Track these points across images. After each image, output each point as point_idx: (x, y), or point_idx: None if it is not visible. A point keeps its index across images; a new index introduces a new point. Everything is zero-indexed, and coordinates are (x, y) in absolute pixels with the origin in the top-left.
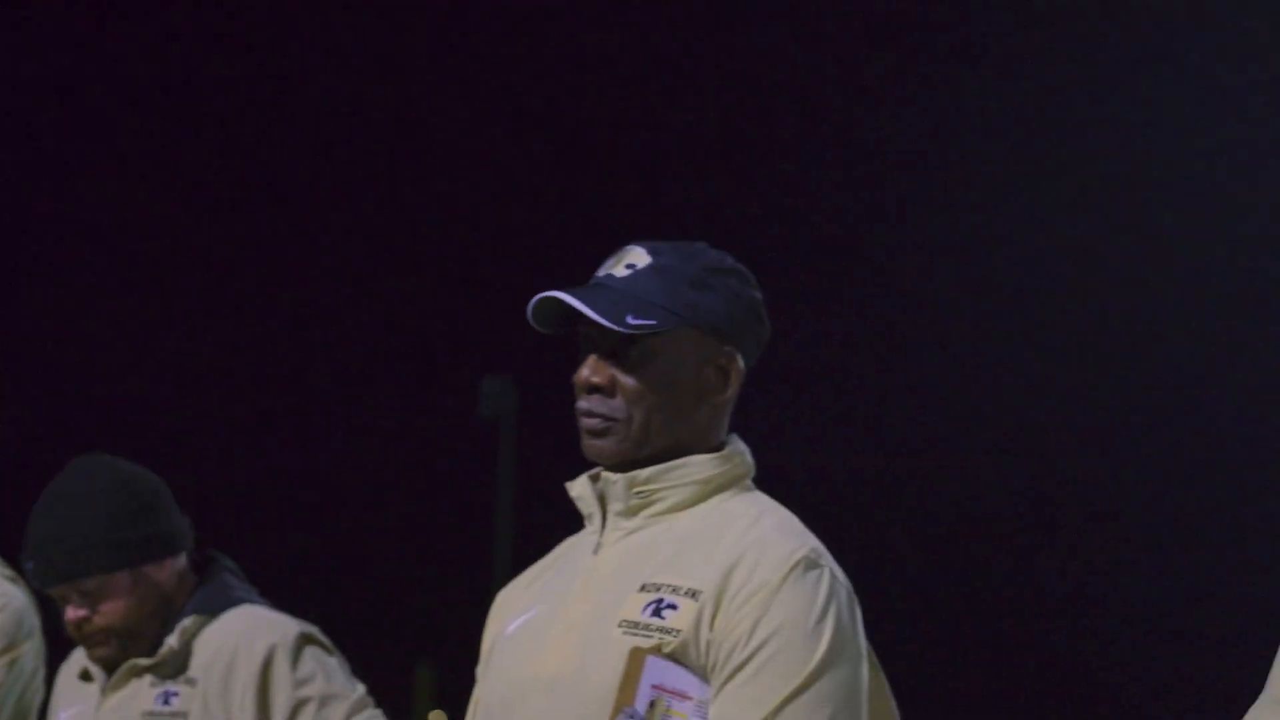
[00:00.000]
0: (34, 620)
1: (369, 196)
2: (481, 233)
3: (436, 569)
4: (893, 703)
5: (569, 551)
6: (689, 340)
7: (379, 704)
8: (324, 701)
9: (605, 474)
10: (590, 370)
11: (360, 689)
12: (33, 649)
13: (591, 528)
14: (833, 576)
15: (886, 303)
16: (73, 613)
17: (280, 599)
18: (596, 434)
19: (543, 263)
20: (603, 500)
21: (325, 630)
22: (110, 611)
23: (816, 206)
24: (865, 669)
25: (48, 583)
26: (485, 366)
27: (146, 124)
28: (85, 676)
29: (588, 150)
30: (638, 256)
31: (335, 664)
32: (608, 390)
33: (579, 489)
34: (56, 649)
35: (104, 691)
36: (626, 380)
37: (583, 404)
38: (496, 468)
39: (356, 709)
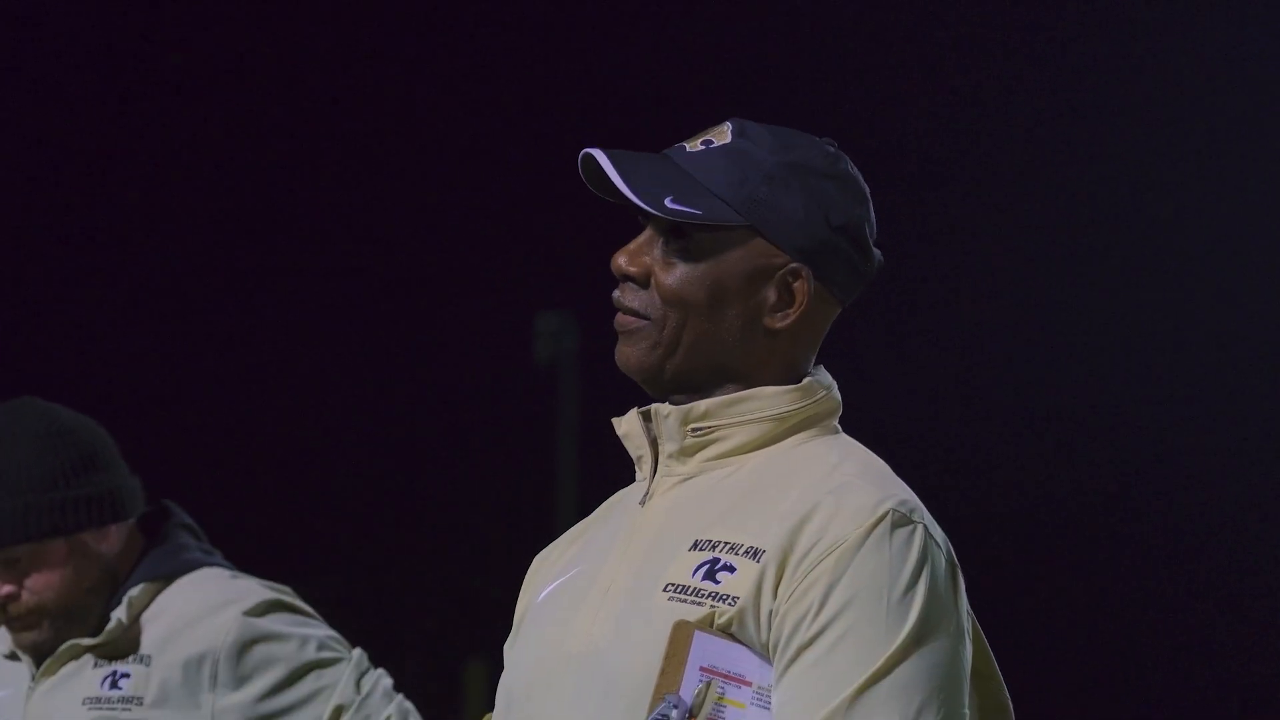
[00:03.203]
0: None
1: (413, 132)
2: (526, 156)
3: (490, 540)
4: (1005, 693)
5: (618, 504)
6: (747, 245)
7: (427, 704)
8: (312, 667)
9: (656, 407)
10: (627, 257)
11: (356, 651)
12: None
13: (641, 474)
14: (928, 535)
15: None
16: None
17: (310, 577)
18: (625, 334)
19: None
20: (655, 442)
21: (371, 625)
22: (42, 586)
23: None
24: (967, 650)
25: None
26: (540, 302)
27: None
28: (13, 655)
29: (640, 82)
30: (721, 133)
31: (318, 626)
32: (641, 281)
33: (627, 425)
34: None
35: (36, 676)
36: (664, 275)
37: (615, 294)
38: (557, 417)
39: (357, 670)
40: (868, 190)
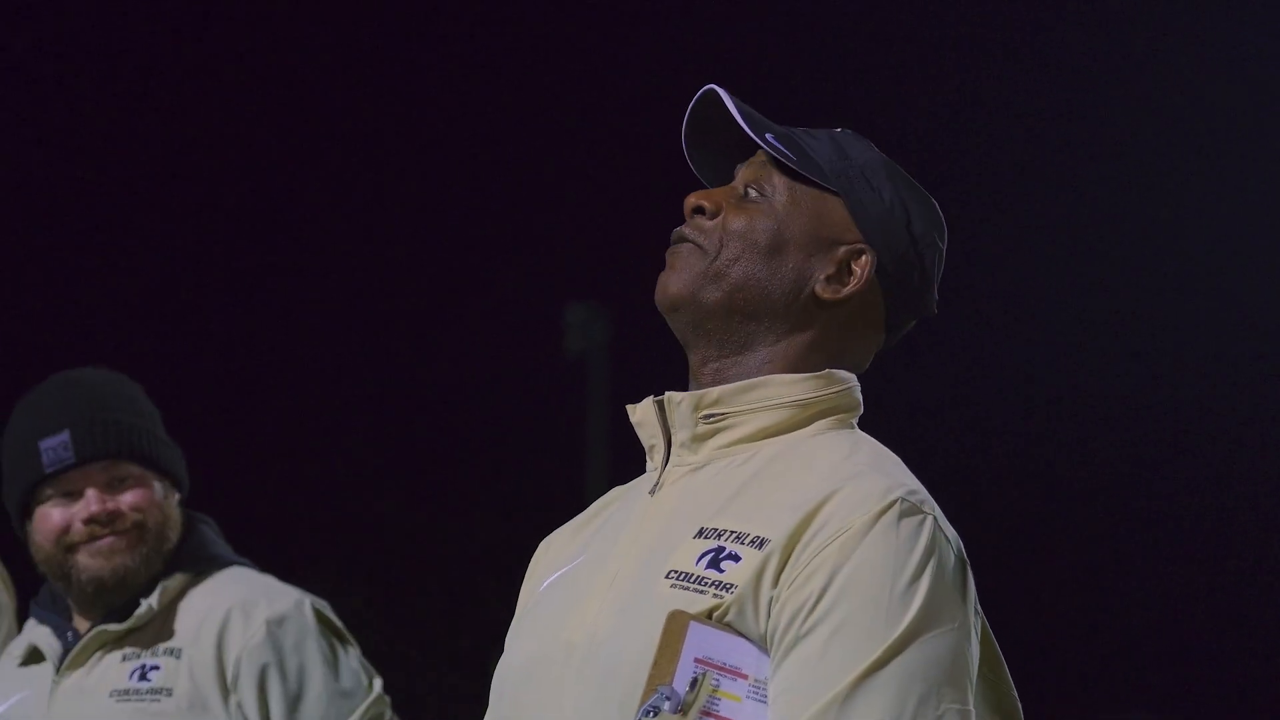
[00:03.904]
0: (3, 598)
1: (440, 123)
2: (557, 146)
3: (519, 531)
4: (1015, 699)
5: (626, 494)
6: (824, 211)
7: (456, 700)
8: (334, 694)
9: (670, 394)
10: (702, 193)
11: (378, 682)
12: (1, 628)
13: (653, 464)
14: (937, 527)
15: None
16: (98, 504)
17: (337, 568)
18: (672, 260)
19: (623, 178)
20: (668, 431)
21: (399, 617)
22: (146, 505)
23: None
24: (973, 648)
25: (91, 453)
26: (570, 293)
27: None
28: (32, 658)
29: (674, 71)
30: (825, 129)
31: (347, 646)
32: (711, 212)
33: (642, 413)
34: None
35: (61, 670)
36: (734, 212)
37: (676, 231)
38: (587, 408)
39: (376, 706)
40: (945, 244)
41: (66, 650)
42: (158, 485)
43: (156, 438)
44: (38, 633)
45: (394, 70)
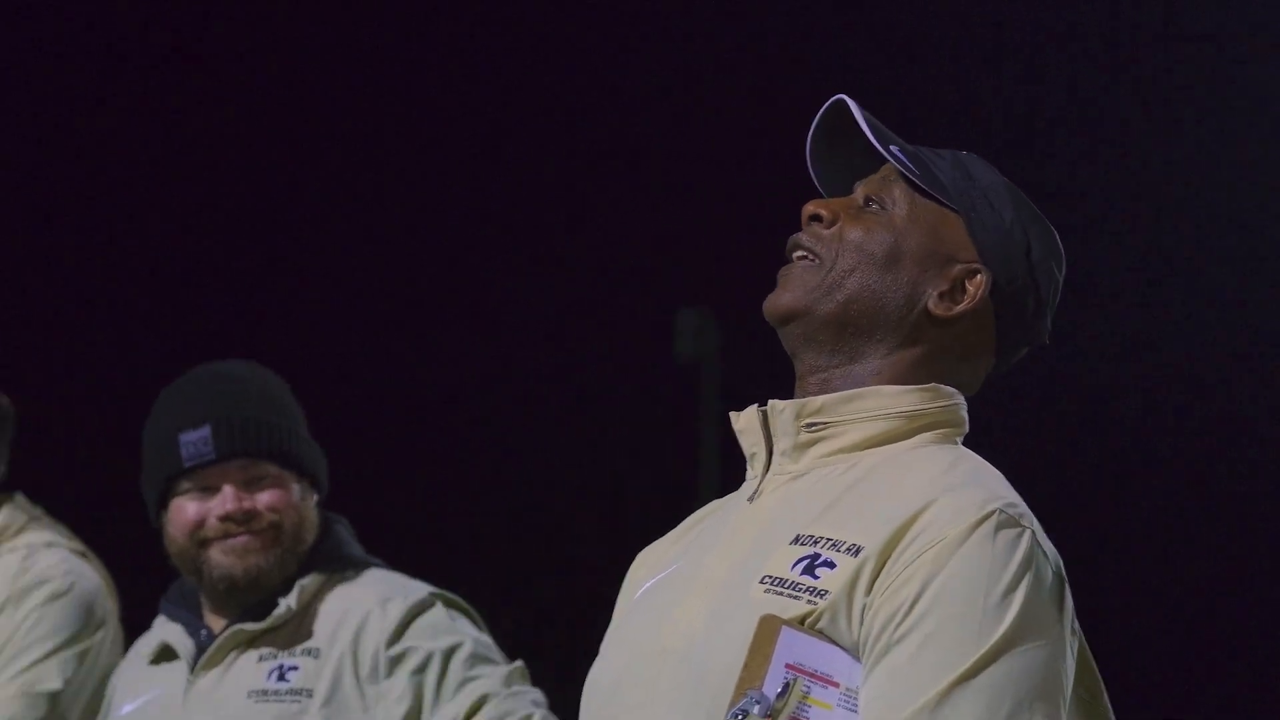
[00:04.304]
0: (109, 605)
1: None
2: (670, 150)
3: (630, 540)
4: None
5: (725, 504)
6: (943, 229)
7: (565, 707)
8: (470, 661)
9: (774, 402)
10: (819, 202)
11: (518, 662)
12: (107, 638)
13: (753, 472)
14: (1035, 542)
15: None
16: (234, 501)
17: (446, 571)
18: (784, 277)
19: (739, 178)
20: (770, 439)
21: (511, 624)
22: (282, 506)
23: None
24: (1068, 665)
25: (230, 450)
26: (681, 299)
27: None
28: (163, 656)
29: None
30: (950, 150)
31: (480, 630)
32: (828, 221)
33: (745, 420)
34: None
35: (196, 669)
36: (851, 223)
37: (791, 238)
38: (698, 418)
39: (514, 676)
40: (1063, 275)
41: (199, 648)
42: (295, 486)
43: (298, 437)
44: (169, 629)
45: (508, 74)
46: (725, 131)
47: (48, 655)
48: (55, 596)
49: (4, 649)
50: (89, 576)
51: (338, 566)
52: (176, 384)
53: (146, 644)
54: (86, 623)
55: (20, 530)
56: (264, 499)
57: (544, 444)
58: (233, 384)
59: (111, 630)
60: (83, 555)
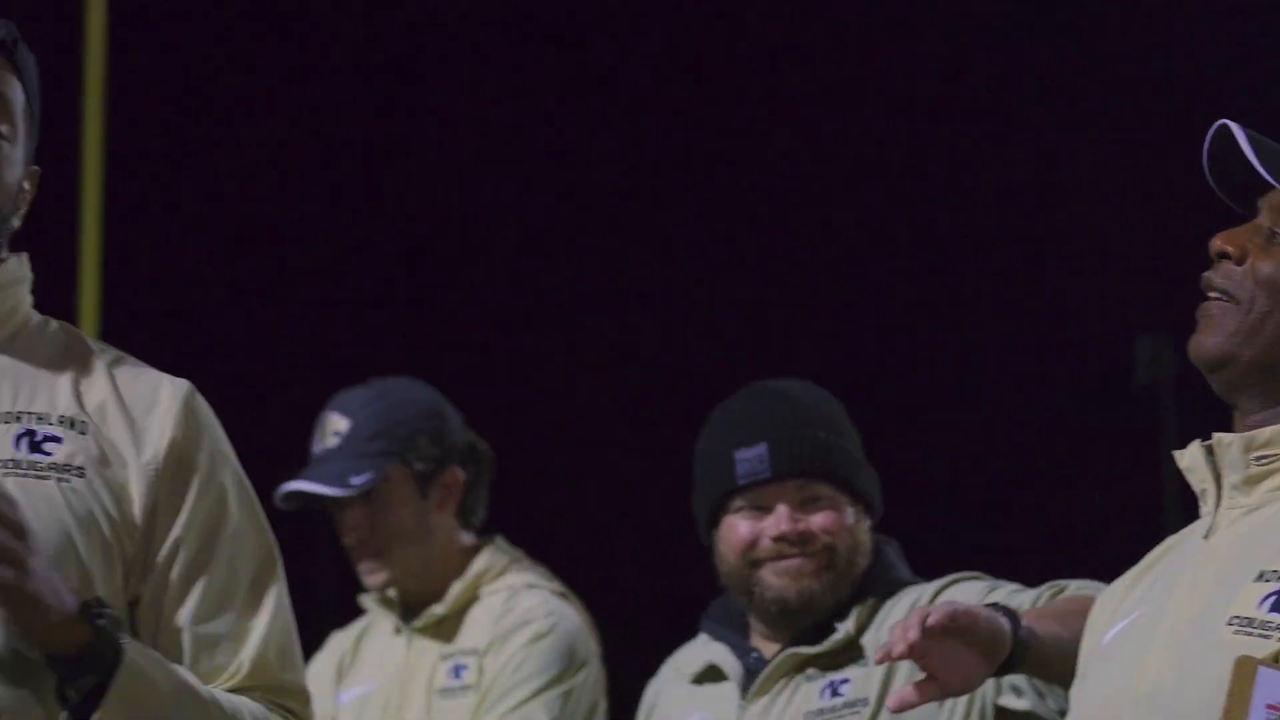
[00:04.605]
0: (590, 645)
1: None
2: (1135, 171)
3: (1095, 566)
4: None
5: (1181, 542)
6: None
7: None
8: None
9: (1219, 436)
10: (1226, 236)
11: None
12: (589, 678)
13: (1205, 508)
14: None
15: None
16: (789, 522)
17: None
18: (1205, 320)
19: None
20: (1218, 474)
21: None
22: (836, 529)
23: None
24: None
25: (786, 469)
26: (1138, 325)
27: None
28: (711, 675)
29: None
30: None
31: None
32: (1236, 257)
33: (1189, 459)
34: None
35: (749, 695)
36: (1262, 258)
37: (1204, 275)
38: (1159, 442)
39: None
40: None
41: (747, 671)
42: (850, 509)
43: (854, 459)
44: (713, 649)
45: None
46: (1177, 154)
47: (534, 695)
48: (539, 637)
49: (490, 690)
50: (570, 617)
51: (889, 590)
52: (732, 400)
53: (688, 661)
54: (570, 663)
55: (501, 573)
56: (818, 520)
57: (1009, 466)
58: (789, 402)
59: (594, 670)
60: (563, 596)
